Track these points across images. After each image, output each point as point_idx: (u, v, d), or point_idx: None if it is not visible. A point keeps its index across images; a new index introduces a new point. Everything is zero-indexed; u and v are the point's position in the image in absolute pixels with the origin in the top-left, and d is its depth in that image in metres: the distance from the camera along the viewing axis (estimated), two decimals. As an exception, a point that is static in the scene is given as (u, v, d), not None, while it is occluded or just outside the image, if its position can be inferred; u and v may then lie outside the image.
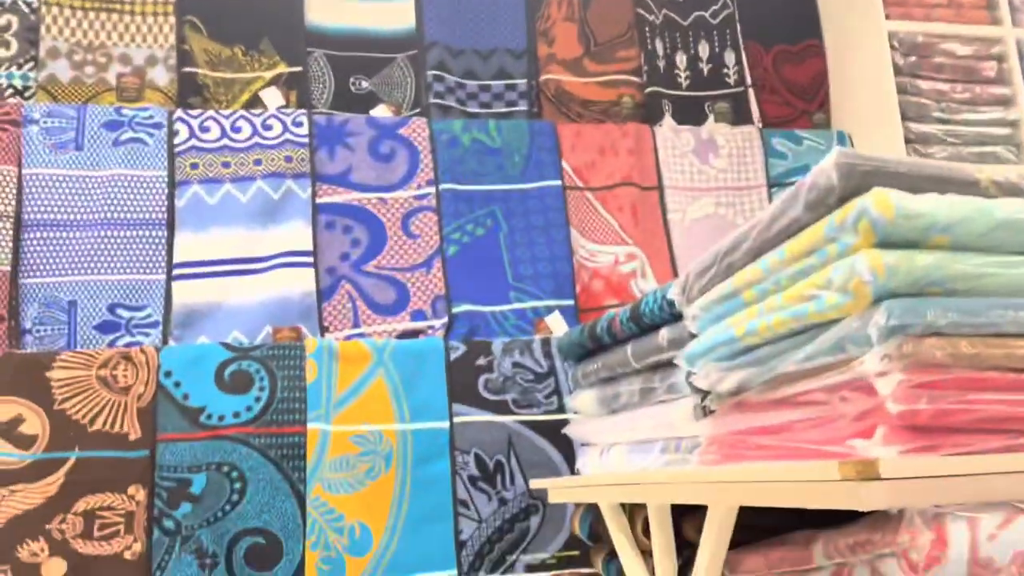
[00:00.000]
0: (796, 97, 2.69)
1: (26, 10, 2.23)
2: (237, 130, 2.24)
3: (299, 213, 2.20)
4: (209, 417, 1.91)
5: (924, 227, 0.84)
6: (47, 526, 1.76)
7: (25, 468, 1.78)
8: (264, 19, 2.38)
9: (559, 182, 2.38)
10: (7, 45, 2.19)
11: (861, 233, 0.84)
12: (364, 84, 2.44)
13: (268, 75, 2.35)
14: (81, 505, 1.79)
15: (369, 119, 2.36)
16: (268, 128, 2.26)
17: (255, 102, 2.32)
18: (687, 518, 1.41)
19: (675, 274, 2.35)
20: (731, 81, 2.65)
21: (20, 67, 2.19)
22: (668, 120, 2.55)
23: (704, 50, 2.66)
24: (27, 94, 2.18)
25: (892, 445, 0.80)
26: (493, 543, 1.95)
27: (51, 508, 1.77)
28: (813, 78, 2.71)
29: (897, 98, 2.41)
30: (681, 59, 2.63)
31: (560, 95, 2.52)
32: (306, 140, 2.26)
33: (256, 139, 2.24)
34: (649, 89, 2.57)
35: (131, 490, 1.82)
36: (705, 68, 2.64)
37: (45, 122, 2.11)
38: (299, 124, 2.28)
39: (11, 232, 2.00)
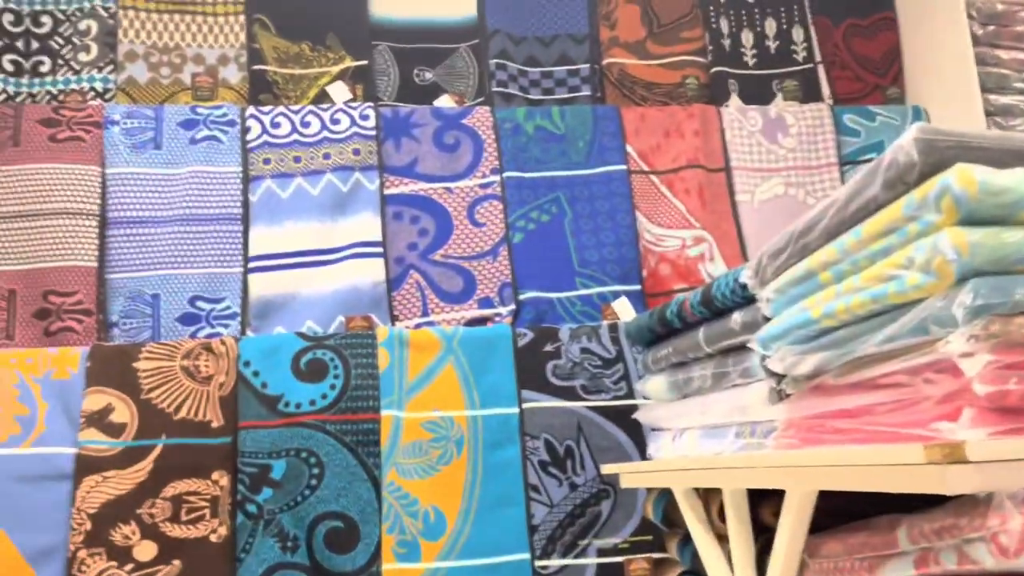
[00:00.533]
0: (868, 72, 2.61)
1: (104, 15, 2.31)
2: (306, 125, 2.29)
3: (368, 204, 2.24)
4: (287, 405, 1.96)
5: (1010, 203, 0.81)
6: (138, 510, 1.84)
7: (116, 455, 1.87)
8: (330, 14, 2.43)
9: (624, 166, 2.37)
10: (87, 50, 2.28)
11: (944, 211, 0.82)
12: (428, 75, 2.46)
13: (335, 70, 2.39)
14: (169, 490, 1.86)
15: (434, 110, 2.38)
16: (336, 122, 2.30)
17: (323, 97, 2.37)
18: (763, 503, 1.40)
19: (744, 257, 2.32)
20: (799, 58, 2.59)
21: (100, 70, 2.27)
22: (734, 100, 2.51)
23: (771, 27, 2.60)
24: (107, 96, 2.26)
25: (979, 427, 0.78)
26: (565, 528, 1.97)
27: (141, 493, 1.85)
28: (886, 52, 2.63)
29: (976, 69, 2.32)
30: (747, 37, 2.58)
31: (623, 79, 2.50)
32: (373, 133, 2.30)
33: (325, 133, 2.28)
34: (714, 69, 2.53)
35: (215, 475, 1.89)
36: (772, 46, 2.59)
37: (125, 123, 2.20)
38: (366, 117, 2.32)
39: (96, 230, 2.09)
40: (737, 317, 1.34)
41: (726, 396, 1.40)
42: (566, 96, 2.49)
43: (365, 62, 2.41)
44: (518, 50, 2.51)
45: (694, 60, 2.55)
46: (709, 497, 1.51)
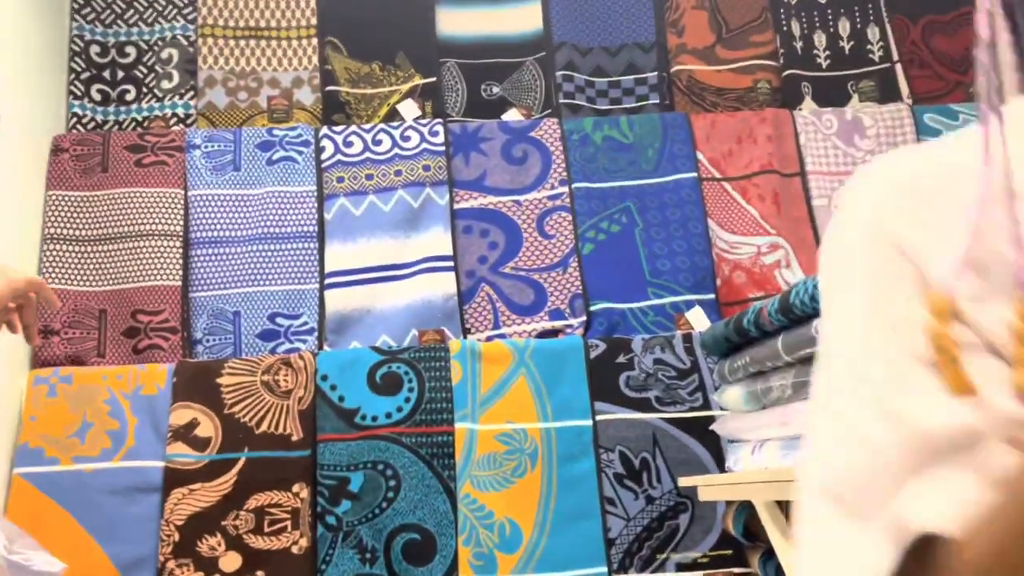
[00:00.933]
0: (948, 70, 2.52)
1: (185, 43, 2.40)
2: (378, 143, 2.33)
3: (438, 219, 2.26)
4: (363, 418, 1.99)
5: None
6: (223, 522, 1.89)
7: (202, 468, 1.92)
8: (399, 34, 2.47)
9: (694, 174, 2.34)
10: (170, 77, 2.37)
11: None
12: (495, 89, 2.48)
13: (404, 88, 2.43)
14: (252, 502, 1.91)
15: (501, 124, 2.40)
16: (406, 139, 2.34)
17: (393, 115, 2.41)
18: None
19: (822, 263, 2.26)
20: (875, 57, 2.51)
21: (182, 97, 2.36)
22: (808, 103, 2.45)
23: (845, 27, 2.54)
24: (189, 121, 2.35)
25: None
26: (642, 541, 1.94)
27: (226, 505, 1.90)
28: (967, 48, 2.53)
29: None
30: (820, 38, 2.53)
31: (692, 85, 2.47)
32: (442, 148, 2.33)
33: (396, 150, 2.32)
34: (787, 72, 2.48)
35: (296, 488, 1.93)
36: (846, 46, 2.52)
37: (206, 146, 2.27)
38: (435, 133, 2.35)
39: (181, 250, 2.17)
40: (817, 325, 1.31)
41: (808, 406, 1.36)
42: (634, 105, 2.47)
43: (433, 79, 2.44)
44: (585, 61, 2.51)
45: (765, 64, 2.51)
46: (789, 504, 1.47)
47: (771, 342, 1.47)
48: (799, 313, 1.37)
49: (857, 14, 2.54)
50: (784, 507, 1.49)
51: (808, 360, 1.37)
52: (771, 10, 2.54)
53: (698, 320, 2.18)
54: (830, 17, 2.54)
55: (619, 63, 2.51)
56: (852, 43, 2.52)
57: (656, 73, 2.49)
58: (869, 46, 2.52)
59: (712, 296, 2.22)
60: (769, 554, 1.60)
